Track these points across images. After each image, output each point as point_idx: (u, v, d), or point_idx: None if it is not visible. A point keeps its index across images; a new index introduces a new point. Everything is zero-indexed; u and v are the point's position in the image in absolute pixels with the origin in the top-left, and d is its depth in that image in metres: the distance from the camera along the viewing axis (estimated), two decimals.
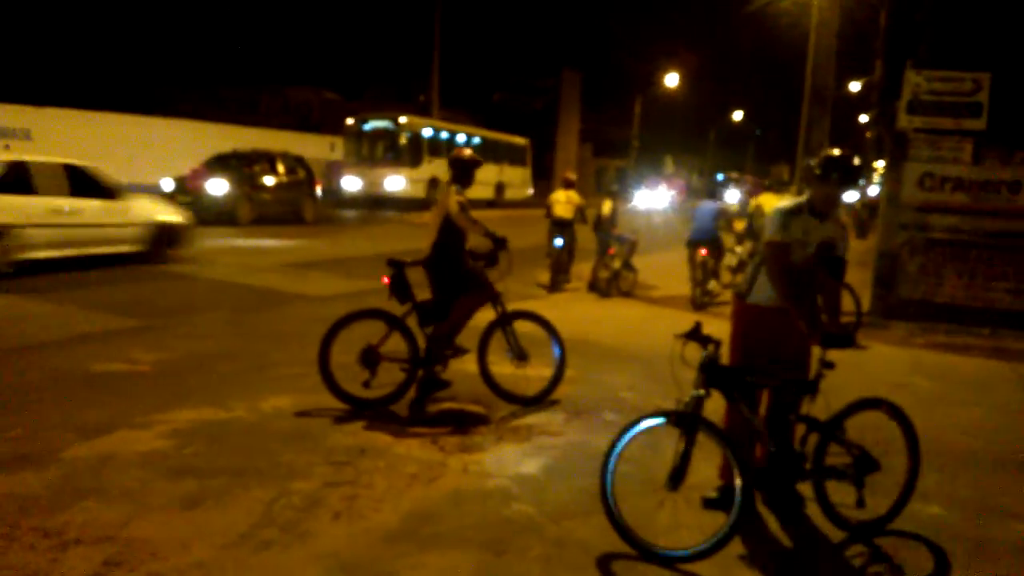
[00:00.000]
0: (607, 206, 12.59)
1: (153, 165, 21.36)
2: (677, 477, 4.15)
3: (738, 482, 4.02)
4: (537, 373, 6.47)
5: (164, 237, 12.94)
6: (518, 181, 38.10)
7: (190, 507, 4.13)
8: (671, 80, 46.08)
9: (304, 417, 5.67)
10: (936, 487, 5.18)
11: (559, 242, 12.65)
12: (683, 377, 4.16)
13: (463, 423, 5.83)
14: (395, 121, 29.79)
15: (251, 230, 18.44)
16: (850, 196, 40.26)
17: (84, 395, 5.85)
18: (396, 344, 6.15)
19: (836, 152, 4.52)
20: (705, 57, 49.88)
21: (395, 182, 28.61)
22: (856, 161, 4.47)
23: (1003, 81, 10.57)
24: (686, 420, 4.19)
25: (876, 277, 11.21)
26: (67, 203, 11.23)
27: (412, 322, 6.26)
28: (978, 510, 4.92)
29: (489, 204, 34.03)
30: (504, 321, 6.54)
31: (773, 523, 4.52)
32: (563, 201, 12.84)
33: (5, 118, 20.37)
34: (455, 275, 6.41)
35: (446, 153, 24.25)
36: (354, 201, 28.84)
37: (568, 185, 13.04)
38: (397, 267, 6.30)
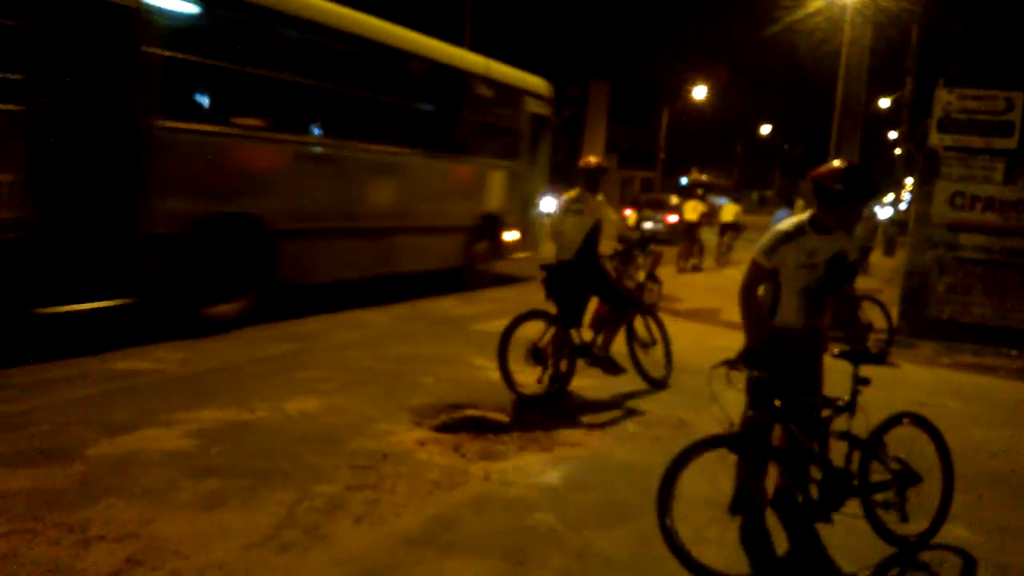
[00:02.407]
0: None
1: None
2: (741, 502, 4.17)
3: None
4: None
5: None
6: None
7: (213, 507, 4.15)
8: (699, 92, 46.01)
9: (328, 420, 5.69)
10: (962, 509, 5.11)
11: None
12: (723, 398, 4.08)
13: (485, 431, 5.82)
14: None
15: None
16: (884, 213, 40.00)
17: (109, 393, 5.89)
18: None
19: (849, 165, 4.26)
20: (734, 70, 49.71)
21: None
22: (870, 175, 4.25)
23: None
24: (746, 444, 4.21)
25: (904, 295, 11.12)
26: None
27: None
28: (1004, 533, 4.86)
29: None
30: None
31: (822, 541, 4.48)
32: (691, 208, 18.76)
33: None
34: (596, 277, 7.25)
35: None
36: None
37: (696, 197, 19.27)
38: (550, 271, 7.09)
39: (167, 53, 7.32)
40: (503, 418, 6.11)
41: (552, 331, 6.85)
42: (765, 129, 60.20)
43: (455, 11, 32.35)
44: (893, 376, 9.13)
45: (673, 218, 25.06)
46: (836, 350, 4.25)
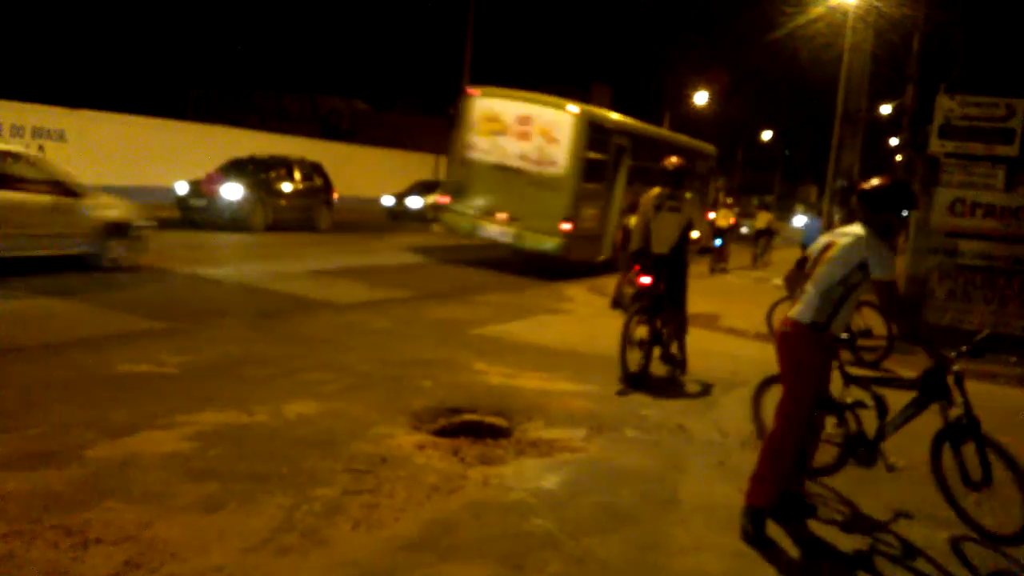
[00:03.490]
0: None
1: (183, 169, 21.51)
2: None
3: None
4: None
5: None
6: None
7: (212, 510, 4.15)
8: (701, 97, 46.02)
9: (327, 424, 5.68)
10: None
11: (718, 241, 19.95)
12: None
13: (484, 435, 5.82)
14: None
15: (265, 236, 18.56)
16: None
17: (109, 395, 5.89)
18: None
19: (896, 180, 4.65)
20: (736, 75, 49.68)
21: None
22: (911, 189, 4.68)
23: None
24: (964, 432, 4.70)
25: (904, 301, 11.10)
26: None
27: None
28: (1001, 539, 4.86)
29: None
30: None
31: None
32: (722, 216, 21.17)
33: (40, 119, 20.61)
34: (681, 274, 8.15)
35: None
36: None
37: (727, 206, 22.64)
38: (644, 265, 7.99)
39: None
40: (502, 423, 6.11)
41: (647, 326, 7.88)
42: (766, 135, 60.17)
43: (459, 16, 32.37)
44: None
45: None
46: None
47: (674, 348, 8.22)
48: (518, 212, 15.37)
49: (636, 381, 7.54)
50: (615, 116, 18.83)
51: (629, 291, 12.12)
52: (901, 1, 13.65)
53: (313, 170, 21.61)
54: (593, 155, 15.68)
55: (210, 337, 8.03)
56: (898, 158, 36.47)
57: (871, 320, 10.34)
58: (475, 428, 5.97)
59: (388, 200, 27.27)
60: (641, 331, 7.76)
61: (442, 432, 5.82)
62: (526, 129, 15.42)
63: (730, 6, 55.43)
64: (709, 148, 24.35)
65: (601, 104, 50.22)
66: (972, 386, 9.24)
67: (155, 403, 5.77)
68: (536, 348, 8.87)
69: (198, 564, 3.60)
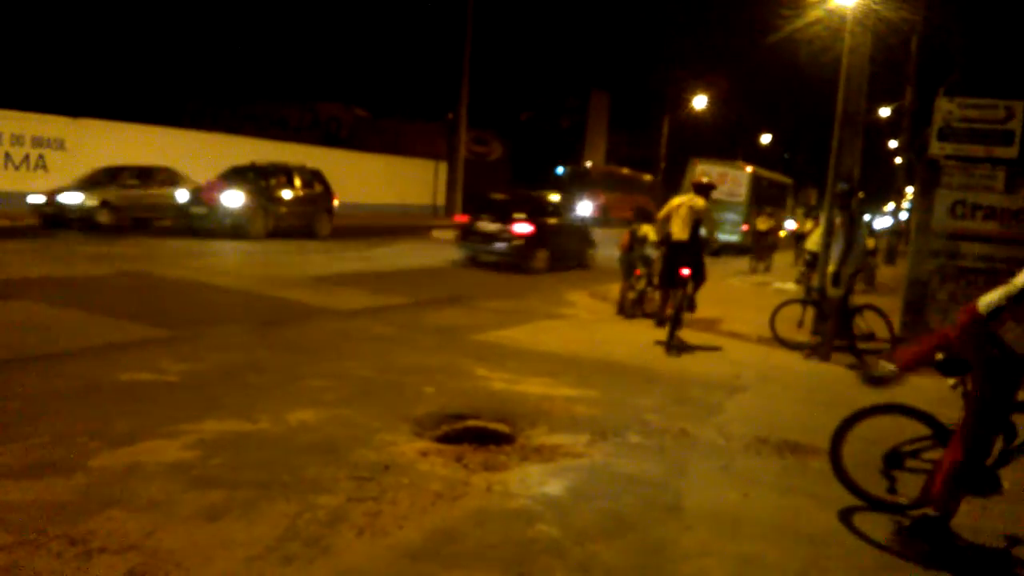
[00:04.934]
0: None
1: (186, 177, 21.54)
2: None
3: None
4: None
5: None
6: (648, 206, 45.70)
7: (215, 518, 4.14)
8: (699, 102, 46.08)
9: (329, 431, 5.67)
10: (965, 519, 5.11)
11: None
12: None
13: (487, 441, 5.82)
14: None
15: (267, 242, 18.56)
16: (883, 222, 40.13)
17: (111, 404, 5.88)
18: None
19: None
20: (735, 79, 49.75)
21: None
22: None
23: None
24: None
25: (905, 304, 11.11)
26: None
27: None
28: (1007, 542, 4.85)
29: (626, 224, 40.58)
30: None
31: None
32: (761, 222, 23.51)
33: (40, 128, 20.66)
34: (699, 252, 11.00)
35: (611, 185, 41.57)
36: None
37: (766, 213, 24.64)
38: (669, 246, 11.02)
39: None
40: (505, 429, 6.11)
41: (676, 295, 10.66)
42: (765, 138, 60.22)
43: (457, 23, 32.43)
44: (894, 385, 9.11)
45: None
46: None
47: (689, 289, 10.98)
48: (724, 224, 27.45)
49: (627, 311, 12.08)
50: (762, 171, 31.90)
51: (632, 296, 12.16)
52: (899, 4, 13.66)
53: (313, 177, 21.63)
54: (754, 190, 29.41)
55: (212, 345, 8.03)
56: (897, 161, 36.46)
57: (873, 323, 10.35)
58: (478, 434, 5.96)
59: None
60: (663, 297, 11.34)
61: (445, 438, 5.81)
62: (724, 176, 27.61)
63: (728, 10, 55.48)
64: (787, 180, 37.14)
65: (599, 111, 50.40)
66: None
67: (158, 411, 5.76)
68: (538, 354, 8.87)
69: (202, 573, 3.59)
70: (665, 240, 11.14)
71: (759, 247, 23.52)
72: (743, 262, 23.80)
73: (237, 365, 7.34)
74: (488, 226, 17.54)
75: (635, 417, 6.70)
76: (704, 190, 11.26)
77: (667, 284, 11.04)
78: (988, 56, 10.72)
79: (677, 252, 10.86)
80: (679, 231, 10.87)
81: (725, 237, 27.43)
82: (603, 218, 36.69)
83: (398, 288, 13.04)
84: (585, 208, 27.34)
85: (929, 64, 27.17)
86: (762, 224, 23.57)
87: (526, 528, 4.36)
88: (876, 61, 13.44)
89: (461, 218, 18.84)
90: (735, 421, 6.85)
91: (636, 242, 12.58)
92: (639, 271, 12.42)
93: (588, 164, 41.16)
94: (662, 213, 11.30)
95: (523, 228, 17.20)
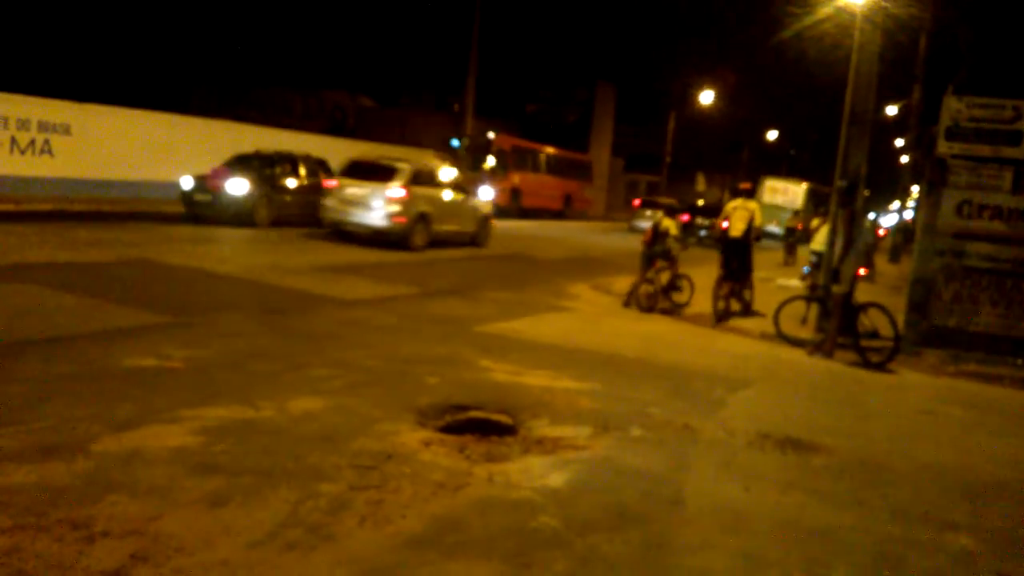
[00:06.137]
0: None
1: (190, 163, 21.50)
2: None
3: None
4: None
5: None
6: (581, 194, 41.83)
7: (217, 504, 4.14)
8: (706, 97, 45.95)
9: (332, 420, 5.67)
10: (966, 517, 5.11)
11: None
12: None
13: (490, 432, 5.81)
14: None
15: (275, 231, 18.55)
16: (889, 220, 40.22)
17: (114, 389, 5.88)
18: None
19: None
20: (742, 75, 49.63)
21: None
22: None
23: None
24: None
25: (910, 303, 11.09)
26: None
27: None
28: (1008, 542, 4.85)
29: (555, 215, 38.05)
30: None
31: None
32: (790, 219, 27.28)
33: (46, 112, 20.61)
34: (750, 247, 12.81)
35: (529, 165, 35.83)
36: None
37: (794, 214, 29.36)
38: (725, 243, 12.87)
39: None
40: (507, 420, 6.10)
41: (727, 286, 12.43)
42: (772, 135, 60.07)
43: (465, 12, 32.35)
44: (900, 382, 9.11)
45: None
46: None
47: (748, 296, 12.99)
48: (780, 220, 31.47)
49: (721, 318, 11.91)
50: (815, 185, 39.13)
51: (648, 289, 12.21)
52: (908, 1, 13.61)
53: (318, 166, 21.58)
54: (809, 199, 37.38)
55: (215, 332, 8.03)
56: (903, 159, 36.38)
57: (878, 321, 10.33)
58: (481, 425, 5.96)
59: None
60: (725, 289, 12.35)
61: (448, 429, 5.81)
62: (787, 190, 38.07)
63: (737, 6, 55.35)
64: (828, 189, 39.62)
65: (606, 103, 50.22)
66: (976, 387, 9.28)
67: (161, 397, 5.76)
68: (541, 345, 8.86)
69: (204, 558, 3.59)
70: (722, 238, 12.92)
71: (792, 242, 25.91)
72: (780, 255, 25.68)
73: (240, 352, 7.34)
74: (355, 191, 17.02)
75: (638, 410, 6.69)
76: (750, 193, 13.69)
77: (728, 276, 12.56)
78: (997, 55, 10.69)
79: (734, 247, 12.73)
80: (736, 230, 12.74)
81: (777, 229, 31.96)
82: (515, 206, 33.44)
83: (401, 278, 13.04)
84: (487, 193, 23.00)
85: (937, 62, 27.12)
86: (814, 223, 24.20)
87: (528, 519, 4.36)
88: (884, 59, 13.38)
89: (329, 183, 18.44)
90: (738, 416, 6.84)
91: (659, 236, 12.74)
92: (659, 264, 12.54)
93: (491, 135, 33.40)
94: (722, 215, 13.29)
95: (396, 193, 16.60)
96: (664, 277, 12.59)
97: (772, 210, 33.13)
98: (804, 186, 38.82)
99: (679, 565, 4.05)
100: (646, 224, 27.15)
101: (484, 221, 20.31)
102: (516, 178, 33.66)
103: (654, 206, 32.87)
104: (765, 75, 50.94)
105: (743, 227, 12.70)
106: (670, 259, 12.60)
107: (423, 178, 17.95)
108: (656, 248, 12.68)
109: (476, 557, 3.88)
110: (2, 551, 3.48)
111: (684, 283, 12.80)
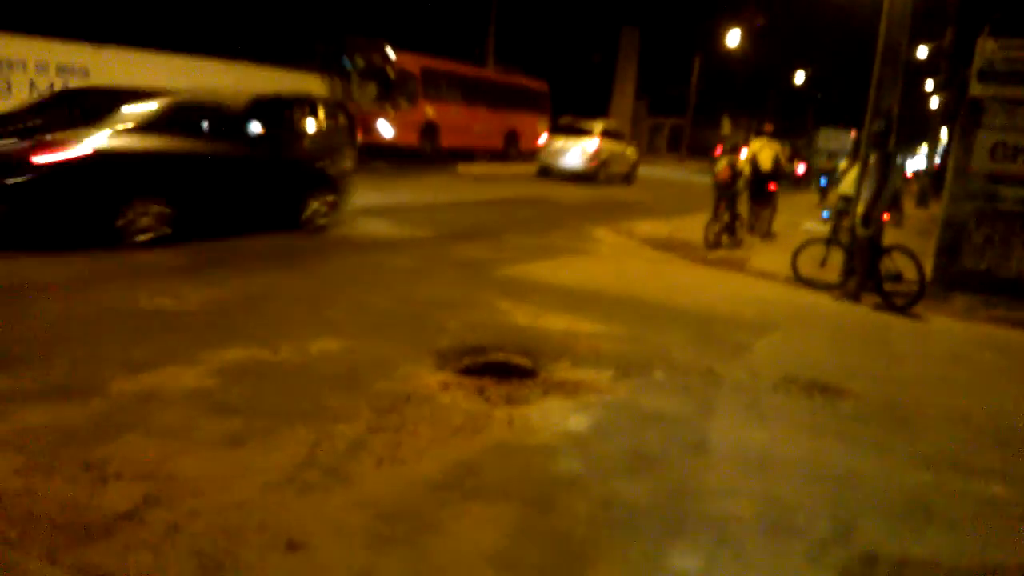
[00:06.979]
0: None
1: None
2: None
3: None
4: None
5: None
6: (532, 130, 31.05)
7: (233, 446, 4.08)
8: (732, 38, 45.06)
9: (351, 361, 5.60)
10: (997, 464, 4.99)
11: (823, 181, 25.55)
12: None
13: (510, 375, 5.72)
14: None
15: None
16: (917, 163, 39.70)
17: (131, 331, 5.83)
18: None
19: None
20: (770, 15, 48.62)
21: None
22: None
23: None
24: None
25: (939, 247, 10.85)
26: None
27: None
28: None
29: (496, 156, 29.66)
30: None
31: None
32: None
33: (64, 56, 20.47)
34: (777, 181, 14.91)
35: (450, 93, 26.80)
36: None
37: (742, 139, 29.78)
38: (756, 177, 14.74)
39: None
40: (527, 363, 6.00)
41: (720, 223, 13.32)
42: (799, 78, 58.99)
43: None
44: (928, 327, 8.95)
45: (801, 168, 32.21)
46: None
47: (768, 216, 15.22)
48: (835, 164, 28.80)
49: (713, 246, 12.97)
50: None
51: (716, 228, 12.68)
52: None
53: (338, 109, 21.35)
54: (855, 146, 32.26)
55: (233, 274, 7.96)
56: (933, 102, 35.67)
57: (902, 264, 10.13)
58: (500, 368, 5.86)
59: None
60: (716, 226, 13.22)
61: (467, 371, 5.72)
62: (838, 137, 38.29)
63: None
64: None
65: (629, 48, 49.40)
66: (1007, 333, 9.10)
67: (178, 339, 5.71)
68: (562, 288, 8.74)
69: (219, 500, 3.53)
70: (754, 172, 14.80)
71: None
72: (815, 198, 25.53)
73: (258, 294, 7.28)
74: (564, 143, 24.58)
75: (661, 354, 6.57)
76: (774, 134, 15.59)
77: (756, 202, 15.03)
78: None
79: (765, 179, 14.93)
80: (766, 165, 14.88)
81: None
82: (428, 145, 25.48)
83: (421, 221, 12.94)
84: (385, 129, 19.20)
85: (970, 2, 26.43)
86: (842, 165, 24.86)
87: (548, 463, 4.28)
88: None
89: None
90: (763, 360, 6.72)
91: (735, 176, 13.47)
92: (723, 204, 13.14)
93: (391, 53, 25.20)
94: (747, 155, 14.98)
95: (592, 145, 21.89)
96: (727, 217, 13.50)
97: (825, 156, 36.69)
98: (852, 134, 38.21)
99: (702, 510, 3.96)
100: (567, 155, 24.91)
101: (634, 165, 27.21)
102: (429, 109, 25.70)
103: (575, 131, 25.78)
104: (793, 15, 49.84)
105: (770, 165, 14.89)
106: (733, 201, 13.56)
107: (610, 134, 25.23)
108: (734, 188, 13.50)
109: (495, 500, 3.81)
110: (14, 491, 3.44)
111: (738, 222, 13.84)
